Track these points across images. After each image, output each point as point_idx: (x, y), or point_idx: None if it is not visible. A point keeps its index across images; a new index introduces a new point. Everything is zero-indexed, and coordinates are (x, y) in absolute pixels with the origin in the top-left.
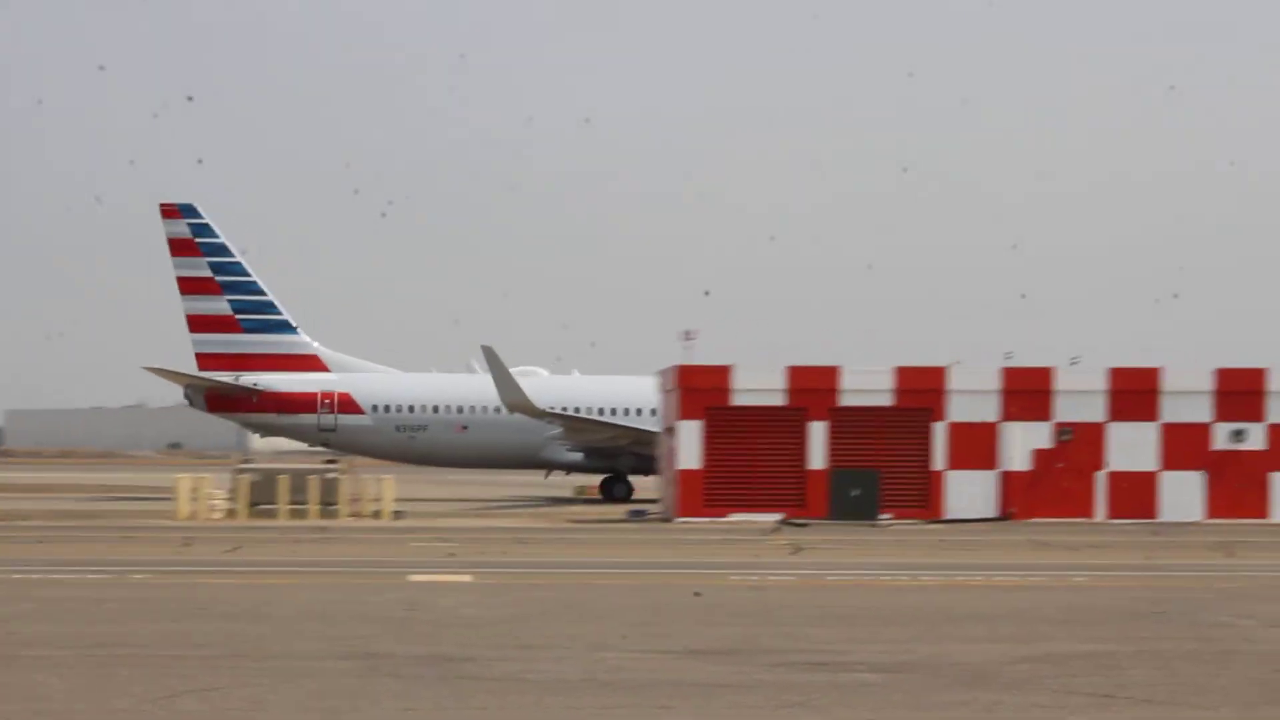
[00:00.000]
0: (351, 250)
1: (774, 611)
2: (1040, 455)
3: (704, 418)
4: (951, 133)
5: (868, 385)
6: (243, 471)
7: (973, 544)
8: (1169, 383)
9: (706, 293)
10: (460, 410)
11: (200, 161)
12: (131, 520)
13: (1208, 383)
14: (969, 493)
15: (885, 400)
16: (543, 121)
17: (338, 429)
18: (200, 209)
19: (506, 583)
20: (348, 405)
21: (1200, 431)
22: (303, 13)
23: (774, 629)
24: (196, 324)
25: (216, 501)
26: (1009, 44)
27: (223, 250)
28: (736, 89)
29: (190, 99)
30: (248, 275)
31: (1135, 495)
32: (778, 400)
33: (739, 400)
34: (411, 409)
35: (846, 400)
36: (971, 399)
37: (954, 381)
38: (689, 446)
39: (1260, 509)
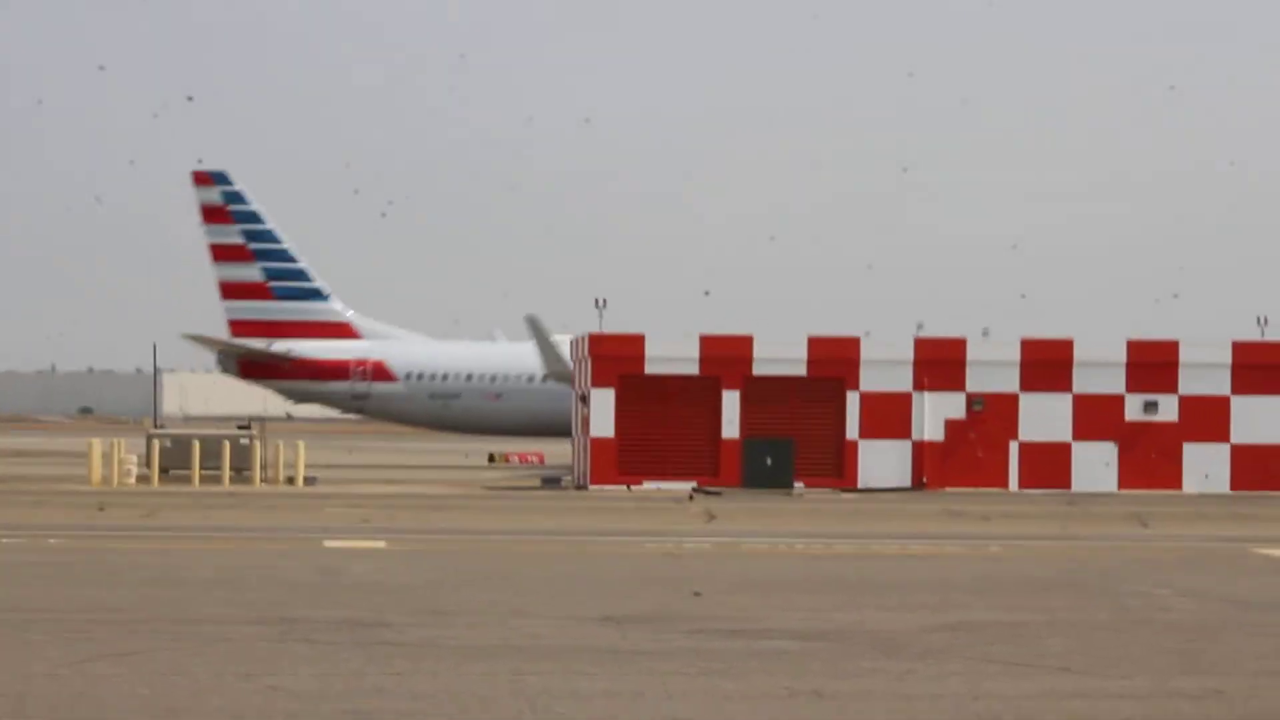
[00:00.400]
0: (352, 250)
1: (690, 579)
2: (953, 425)
3: (617, 386)
4: (951, 133)
5: (781, 355)
6: (156, 437)
7: (886, 513)
8: (1081, 354)
9: (706, 293)
10: (494, 379)
11: (200, 161)
12: (45, 485)
13: (1120, 354)
14: (882, 462)
15: (799, 370)
16: (543, 121)
17: (371, 396)
18: (232, 176)
19: (421, 549)
20: (381, 373)
21: (1113, 403)
22: (303, 13)
23: (689, 596)
24: (229, 290)
25: (130, 467)
26: (1009, 44)
27: (255, 217)
28: (736, 89)
29: (190, 99)
30: (280, 242)
31: (1048, 466)
32: (691, 369)
33: (652, 369)
34: (445, 377)
35: (760, 369)
36: (885, 369)
37: (867, 352)
38: (602, 414)
39: (1173, 480)
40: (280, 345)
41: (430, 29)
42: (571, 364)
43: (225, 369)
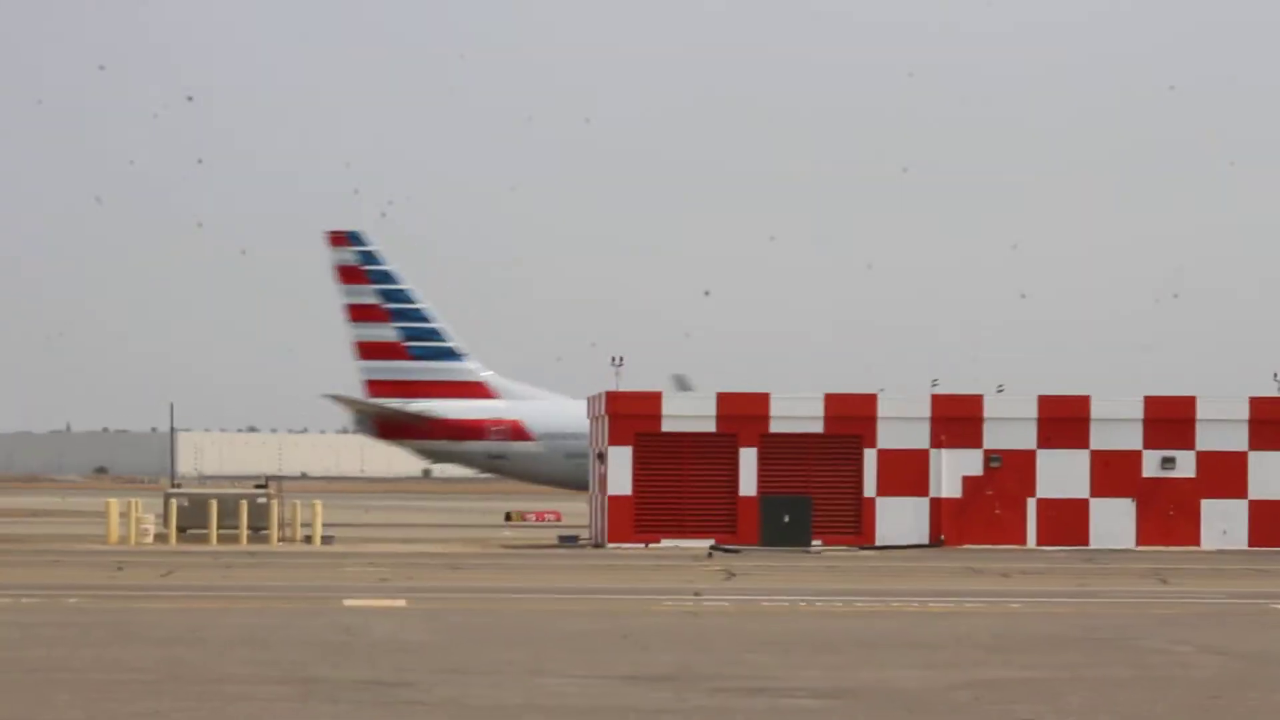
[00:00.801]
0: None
1: (711, 637)
2: (970, 482)
3: (634, 444)
4: (951, 133)
5: (798, 412)
6: (173, 496)
7: (905, 570)
8: (1098, 410)
9: (706, 293)
10: None
11: (200, 161)
12: (62, 545)
13: (1138, 410)
14: (900, 519)
15: (816, 427)
16: (543, 121)
17: (508, 456)
18: (365, 236)
19: (441, 608)
20: (518, 432)
21: (1130, 459)
22: (302, 12)
23: (712, 655)
24: (365, 351)
25: (147, 526)
26: (1009, 44)
27: (389, 277)
28: (735, 88)
29: (190, 99)
30: (415, 302)
31: (1066, 522)
32: (708, 426)
33: (669, 426)
34: (582, 437)
35: (777, 427)
36: (902, 426)
37: (884, 408)
38: (619, 472)
39: (1191, 536)
40: (417, 405)
41: (430, 29)
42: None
43: (362, 428)
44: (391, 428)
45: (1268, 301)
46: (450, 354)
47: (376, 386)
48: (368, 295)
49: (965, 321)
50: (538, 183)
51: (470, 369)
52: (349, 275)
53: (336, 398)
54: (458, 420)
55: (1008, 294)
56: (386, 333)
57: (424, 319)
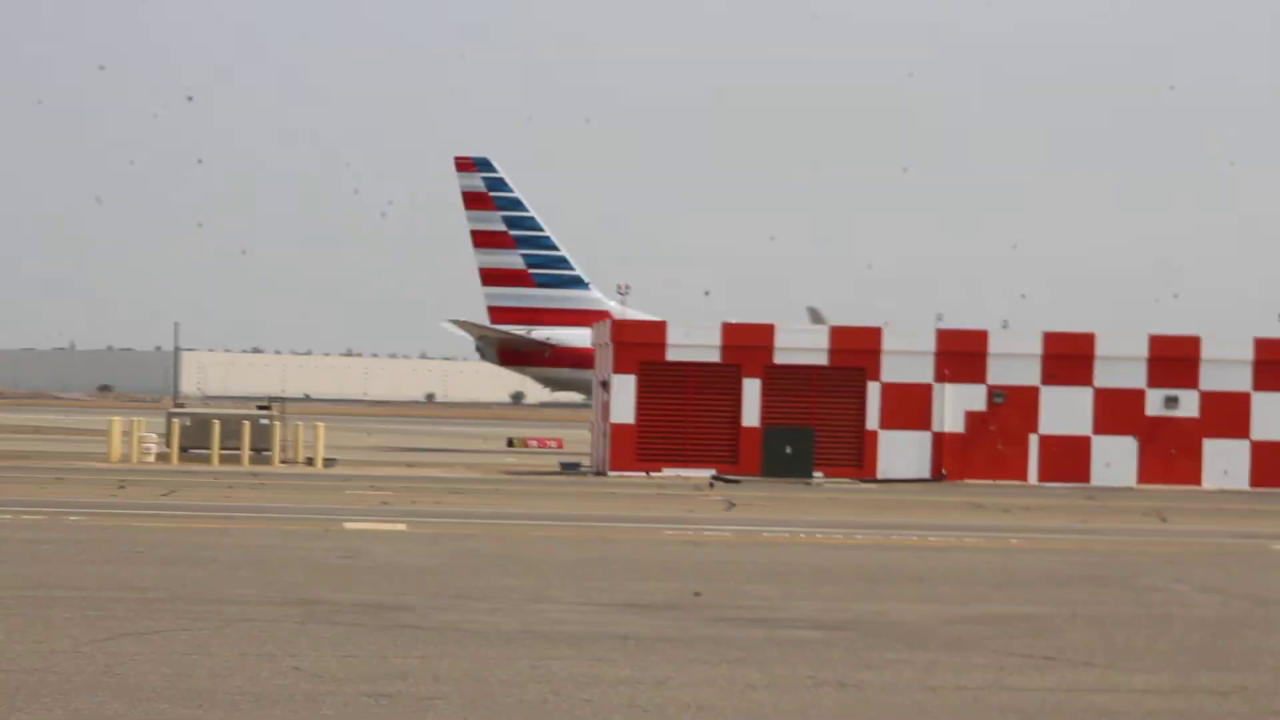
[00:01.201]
0: (351, 250)
1: (710, 567)
2: (973, 417)
3: (638, 372)
4: (951, 133)
5: (803, 344)
6: (175, 415)
7: (906, 504)
8: (1103, 348)
9: (706, 293)
10: None
11: (200, 161)
12: (64, 462)
13: (1142, 349)
14: (902, 453)
15: (820, 359)
16: (543, 121)
17: None
18: (494, 163)
19: (442, 532)
20: None
21: (1134, 397)
22: (302, 12)
23: (712, 584)
24: (489, 278)
25: (150, 445)
26: (1010, 44)
27: (517, 204)
28: (736, 88)
29: (190, 99)
30: (541, 230)
31: (1068, 459)
32: (713, 357)
33: (674, 356)
34: None
35: (781, 358)
36: (906, 360)
37: (889, 342)
38: (623, 401)
39: (1193, 475)
40: (540, 333)
41: (430, 29)
42: None
43: (484, 356)
44: (514, 355)
45: (1267, 300)
46: (576, 281)
47: (500, 313)
48: (494, 221)
49: (965, 321)
50: (538, 182)
51: (595, 297)
52: (475, 201)
53: (460, 323)
54: (582, 349)
55: (1008, 294)
56: (512, 260)
57: (549, 246)
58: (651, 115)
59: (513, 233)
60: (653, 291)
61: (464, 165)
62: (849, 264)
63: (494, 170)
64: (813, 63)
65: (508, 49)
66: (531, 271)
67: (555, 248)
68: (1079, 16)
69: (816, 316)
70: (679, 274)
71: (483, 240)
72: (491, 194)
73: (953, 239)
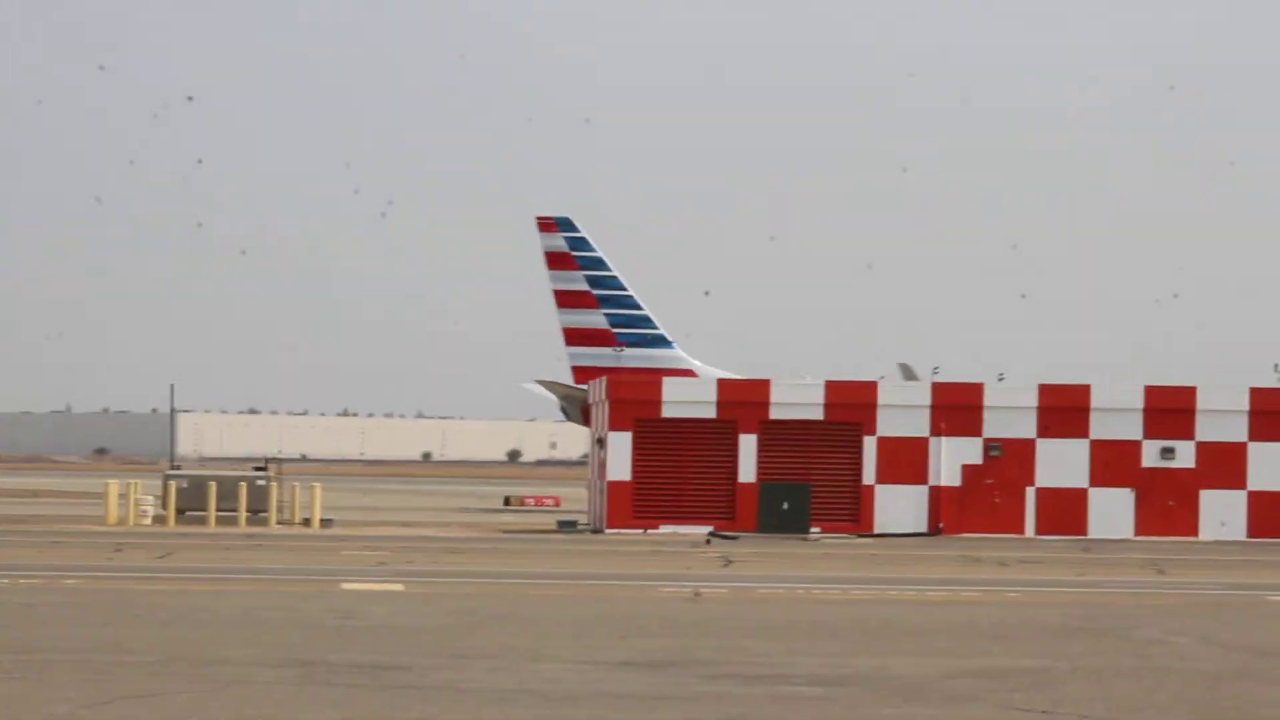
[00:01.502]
0: (351, 250)
1: (709, 623)
2: (970, 470)
3: (634, 429)
4: (951, 133)
5: (798, 399)
6: (172, 478)
7: (904, 559)
8: (1098, 399)
9: (706, 293)
10: None
11: (200, 161)
12: (61, 525)
13: (1138, 400)
14: (899, 507)
15: (816, 414)
16: (543, 121)
17: None
18: (576, 222)
19: (439, 592)
20: None
21: (1130, 448)
22: (302, 13)
23: (710, 641)
24: (573, 337)
25: (146, 508)
26: (1009, 44)
27: (599, 264)
28: (736, 88)
29: (190, 99)
30: (624, 289)
31: (1065, 512)
32: (708, 413)
33: (669, 412)
34: None
35: (777, 413)
36: (902, 413)
37: (884, 396)
38: (619, 458)
39: (1190, 527)
40: None
41: (430, 29)
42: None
43: (569, 416)
44: None
45: (1268, 301)
46: (659, 341)
47: (584, 373)
48: (577, 281)
49: (965, 322)
50: (538, 182)
51: (679, 356)
52: (558, 261)
53: (545, 383)
54: None
55: (1008, 294)
56: (595, 319)
57: (632, 305)
58: (650, 114)
59: (596, 292)
60: (653, 292)
61: (546, 225)
62: (849, 264)
63: (576, 230)
64: (813, 62)
65: (508, 49)
66: (615, 331)
67: (639, 307)
68: (1079, 16)
69: (909, 373)
70: (679, 274)
71: (566, 300)
72: (574, 254)
73: (953, 239)
